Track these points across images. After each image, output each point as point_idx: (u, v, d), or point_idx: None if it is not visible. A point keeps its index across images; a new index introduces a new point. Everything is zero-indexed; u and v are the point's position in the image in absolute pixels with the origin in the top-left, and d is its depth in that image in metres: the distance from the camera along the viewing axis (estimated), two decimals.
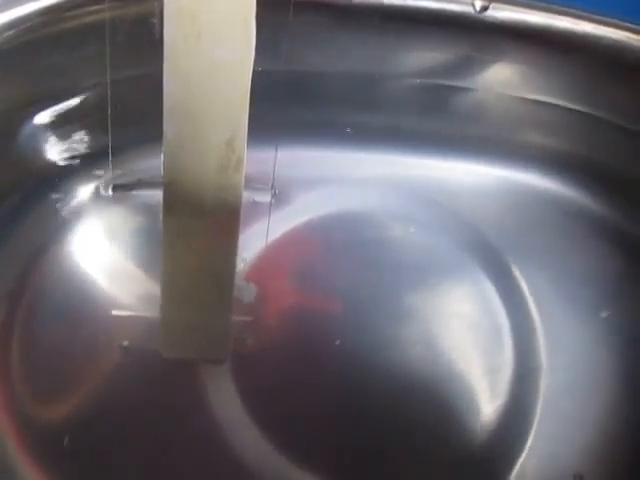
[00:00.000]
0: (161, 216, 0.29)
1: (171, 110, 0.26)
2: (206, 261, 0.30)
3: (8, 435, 0.30)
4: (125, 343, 0.32)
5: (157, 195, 0.30)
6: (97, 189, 0.35)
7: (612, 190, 0.37)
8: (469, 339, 0.35)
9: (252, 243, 0.34)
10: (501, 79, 0.35)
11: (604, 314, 0.35)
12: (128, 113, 0.31)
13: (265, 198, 0.35)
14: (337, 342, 0.34)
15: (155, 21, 0.29)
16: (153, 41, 0.27)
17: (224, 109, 0.26)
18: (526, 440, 0.33)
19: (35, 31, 0.29)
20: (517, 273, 0.36)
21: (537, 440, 0.33)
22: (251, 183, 0.33)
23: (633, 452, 0.33)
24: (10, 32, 0.29)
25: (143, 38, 0.30)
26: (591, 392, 0.34)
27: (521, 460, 0.33)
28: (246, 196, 0.28)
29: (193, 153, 0.27)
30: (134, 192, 0.35)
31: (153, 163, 0.34)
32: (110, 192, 0.34)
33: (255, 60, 0.26)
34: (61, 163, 0.34)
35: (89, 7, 0.30)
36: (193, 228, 0.29)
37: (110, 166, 0.33)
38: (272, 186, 0.35)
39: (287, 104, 0.33)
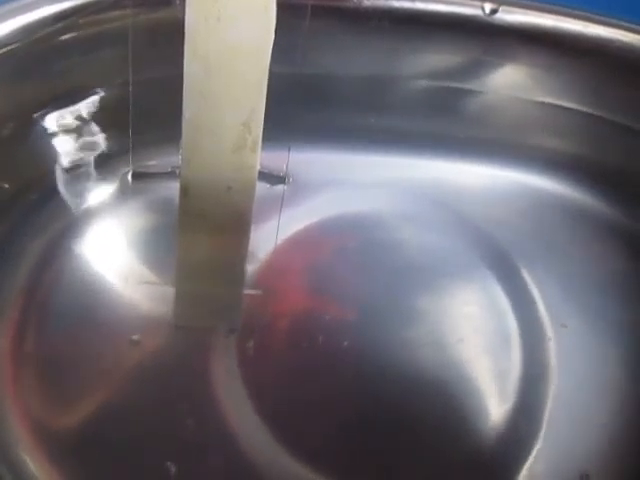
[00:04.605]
0: (177, 214, 0.30)
1: (190, 90, 0.26)
2: (220, 239, 0.30)
3: (21, 434, 0.31)
4: (137, 337, 0.32)
5: (174, 191, 0.31)
6: (112, 188, 0.35)
7: (624, 193, 0.37)
8: (478, 341, 0.35)
9: (262, 243, 0.35)
10: (510, 82, 0.35)
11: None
12: (144, 115, 0.31)
13: (279, 184, 0.36)
14: (345, 343, 0.34)
15: (177, 3, 0.29)
16: (167, 46, 0.28)
17: (242, 90, 0.27)
18: (534, 443, 0.33)
19: (55, 35, 0.30)
20: (526, 276, 0.36)
21: (545, 443, 0.33)
22: (265, 171, 0.34)
23: None
24: (30, 36, 0.29)
25: (159, 42, 0.30)
26: (600, 395, 0.34)
27: (529, 463, 0.32)
28: (260, 186, 0.29)
29: (210, 133, 0.27)
30: (153, 181, 0.35)
31: (169, 161, 0.35)
32: (129, 179, 0.35)
33: (270, 63, 0.27)
34: (77, 162, 0.34)
35: (107, 12, 0.30)
36: (209, 207, 0.29)
37: (130, 158, 0.34)
38: (286, 175, 0.36)
39: (298, 106, 0.34)
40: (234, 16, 0.25)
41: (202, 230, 0.30)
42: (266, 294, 0.34)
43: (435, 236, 0.36)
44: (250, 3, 0.25)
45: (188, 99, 0.27)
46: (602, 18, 0.32)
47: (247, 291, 0.33)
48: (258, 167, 0.29)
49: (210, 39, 0.25)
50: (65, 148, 0.34)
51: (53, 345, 0.32)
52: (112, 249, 0.34)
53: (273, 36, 0.26)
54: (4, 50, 0.29)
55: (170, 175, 0.35)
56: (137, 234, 0.35)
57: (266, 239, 0.35)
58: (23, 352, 0.32)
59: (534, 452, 0.33)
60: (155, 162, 0.35)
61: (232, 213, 0.30)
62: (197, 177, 0.28)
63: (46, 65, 0.31)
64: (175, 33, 0.26)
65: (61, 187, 0.34)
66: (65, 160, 0.34)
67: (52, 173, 0.34)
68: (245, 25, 0.25)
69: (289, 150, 0.33)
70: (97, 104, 0.33)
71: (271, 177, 0.35)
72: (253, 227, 0.31)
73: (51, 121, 0.33)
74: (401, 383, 0.33)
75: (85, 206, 0.35)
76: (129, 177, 0.35)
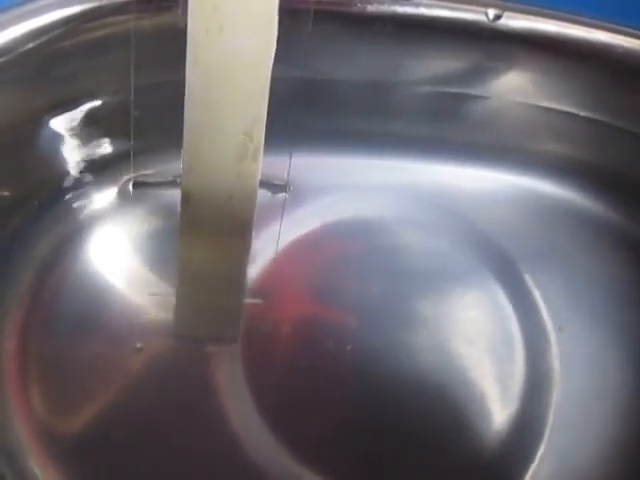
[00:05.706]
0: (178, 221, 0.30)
1: (192, 99, 0.26)
2: (221, 247, 0.30)
3: (24, 435, 0.31)
4: (140, 343, 0.32)
5: (176, 197, 0.31)
6: (115, 193, 0.35)
7: (626, 198, 0.37)
8: (481, 346, 0.35)
9: (264, 248, 0.35)
10: (514, 87, 0.35)
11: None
12: (147, 120, 0.31)
13: (280, 193, 0.36)
14: (348, 347, 0.34)
15: (179, 12, 0.29)
16: (170, 51, 0.28)
17: (244, 99, 0.27)
18: (537, 448, 0.33)
19: (57, 40, 0.30)
20: (529, 280, 0.36)
21: (549, 449, 0.33)
22: (266, 179, 0.34)
23: None
24: (33, 41, 0.29)
25: (162, 47, 0.30)
26: (603, 399, 0.34)
27: (532, 469, 0.32)
28: (262, 194, 0.29)
29: (212, 141, 0.28)
30: (154, 190, 0.35)
31: (171, 167, 0.35)
32: (130, 189, 0.35)
33: (272, 69, 0.27)
34: (80, 167, 0.34)
35: (112, 17, 0.30)
36: (210, 215, 0.29)
37: (131, 164, 0.34)
38: (286, 183, 0.36)
39: (300, 111, 0.34)
40: (236, 26, 0.25)
41: (203, 238, 0.30)
42: (268, 301, 0.34)
43: (437, 240, 0.37)
44: (252, 13, 0.25)
45: (190, 108, 0.27)
46: (605, 24, 0.32)
47: (248, 300, 0.34)
48: (259, 176, 0.29)
49: (212, 49, 0.25)
50: (68, 154, 0.34)
51: (57, 348, 0.32)
52: (115, 255, 0.34)
53: (275, 46, 0.26)
54: (8, 56, 0.29)
55: (172, 183, 0.35)
56: (139, 241, 0.35)
57: (268, 247, 0.35)
58: (27, 354, 0.32)
59: (537, 456, 0.33)
60: (157, 170, 0.35)
61: (233, 221, 0.30)
62: (198, 185, 0.29)
63: (50, 71, 0.31)
64: (178, 38, 0.26)
65: (64, 193, 0.34)
66: (68, 166, 0.34)
67: (55, 179, 0.34)
68: (247, 35, 0.25)
69: (290, 157, 0.33)
70: (100, 110, 0.33)
71: (272, 186, 0.36)
72: (255, 235, 0.31)
73: (54, 127, 0.33)
74: (404, 387, 0.33)
75: (87, 212, 0.35)
76: (130, 185, 0.35)
